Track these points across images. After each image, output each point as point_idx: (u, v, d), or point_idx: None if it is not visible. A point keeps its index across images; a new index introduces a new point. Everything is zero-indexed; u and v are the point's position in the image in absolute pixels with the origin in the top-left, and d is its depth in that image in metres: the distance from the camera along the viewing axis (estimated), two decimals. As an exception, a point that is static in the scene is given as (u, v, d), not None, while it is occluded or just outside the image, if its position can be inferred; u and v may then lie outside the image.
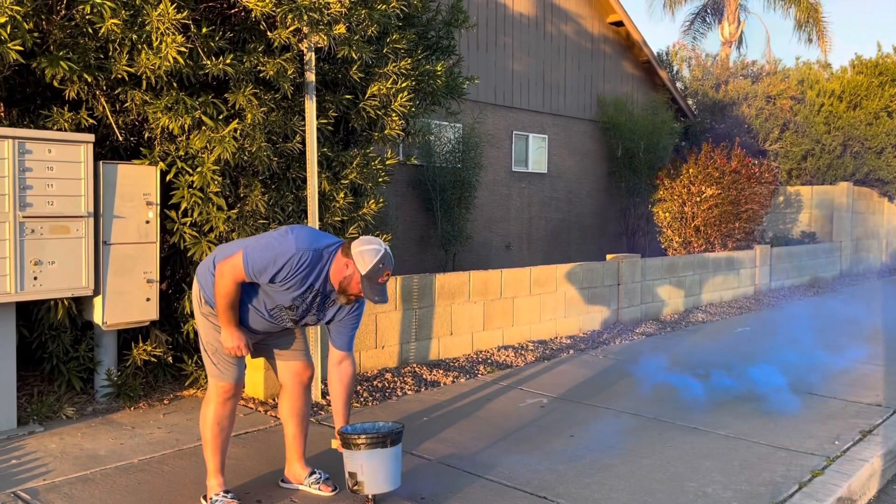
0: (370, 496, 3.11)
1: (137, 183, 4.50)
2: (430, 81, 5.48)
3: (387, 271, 2.96)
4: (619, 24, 13.40)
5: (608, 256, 8.33)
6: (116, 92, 4.43)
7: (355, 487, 3.07)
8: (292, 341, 3.31)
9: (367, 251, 2.93)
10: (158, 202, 4.59)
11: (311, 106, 4.64)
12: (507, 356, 6.35)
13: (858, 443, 4.19)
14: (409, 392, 5.14)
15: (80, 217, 4.25)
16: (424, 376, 5.56)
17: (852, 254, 15.32)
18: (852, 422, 4.60)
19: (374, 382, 5.29)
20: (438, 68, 5.45)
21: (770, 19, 69.71)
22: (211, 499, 3.11)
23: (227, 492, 3.15)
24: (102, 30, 3.86)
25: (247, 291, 3.02)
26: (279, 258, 2.87)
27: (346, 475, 3.11)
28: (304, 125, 4.83)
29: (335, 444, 3.19)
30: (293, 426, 3.34)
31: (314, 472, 3.36)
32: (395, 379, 5.41)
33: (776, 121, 16.23)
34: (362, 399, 4.88)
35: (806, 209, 15.42)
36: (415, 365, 5.88)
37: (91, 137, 4.28)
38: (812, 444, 4.16)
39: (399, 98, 5.10)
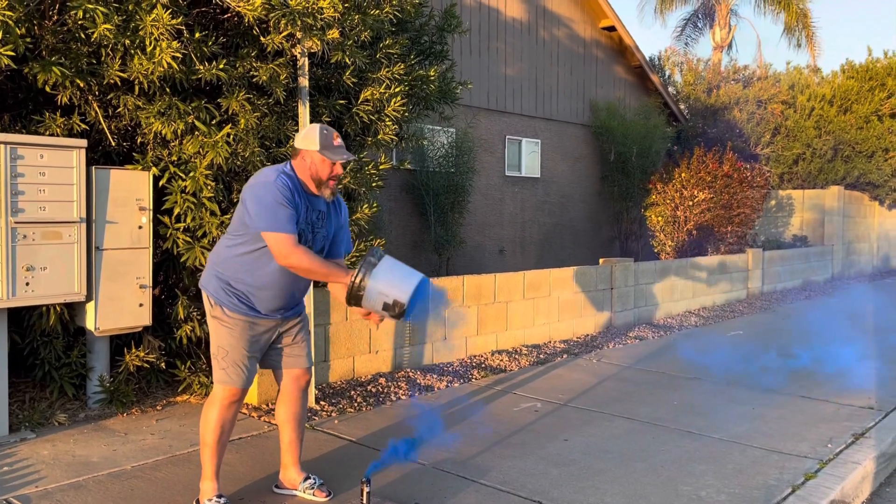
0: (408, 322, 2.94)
1: (130, 188, 4.49)
2: (423, 86, 5.49)
3: (335, 133, 3.07)
4: (612, 28, 13.46)
5: (601, 260, 8.35)
6: (109, 97, 4.42)
7: (399, 312, 2.91)
8: (298, 347, 3.30)
9: (306, 133, 3.07)
10: (151, 207, 4.58)
11: (304, 111, 4.64)
12: (501, 360, 6.35)
13: (851, 445, 4.20)
14: (404, 397, 5.13)
15: (73, 222, 4.24)
16: (418, 381, 5.55)
17: (844, 257, 15.41)
18: (845, 424, 4.62)
19: (369, 388, 5.29)
20: (432, 73, 5.46)
21: (760, 24, 70.16)
22: (208, 501, 3.11)
23: (220, 496, 3.13)
24: (95, 35, 3.85)
25: (259, 260, 3.03)
26: (276, 196, 2.92)
27: (384, 314, 2.94)
28: (297, 130, 4.83)
29: (359, 311, 3.04)
30: (290, 430, 3.33)
31: (309, 478, 3.35)
32: (389, 384, 5.41)
33: (767, 125, 16.32)
34: (356, 404, 4.87)
35: (798, 213, 15.50)
36: (409, 370, 5.87)
37: (83, 143, 4.26)
38: (805, 446, 4.17)
39: (392, 103, 5.11)
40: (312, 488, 3.30)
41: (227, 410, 3.12)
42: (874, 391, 5.49)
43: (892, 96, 15.38)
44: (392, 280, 2.91)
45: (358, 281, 2.89)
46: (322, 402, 4.87)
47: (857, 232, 16.21)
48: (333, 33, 4.18)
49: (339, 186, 3.87)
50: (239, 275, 3.06)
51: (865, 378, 5.93)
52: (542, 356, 6.59)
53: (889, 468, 4.22)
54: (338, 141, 3.07)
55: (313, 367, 4.80)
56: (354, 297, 2.93)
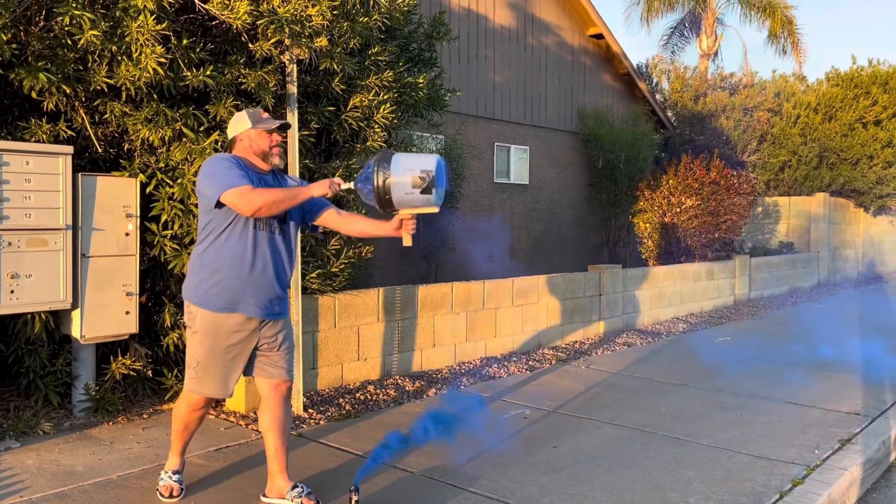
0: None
1: (117, 195, 4.46)
2: (412, 93, 5.50)
3: (260, 110, 3.25)
4: (599, 36, 13.53)
5: (590, 267, 8.37)
6: (96, 103, 4.40)
7: (430, 182, 2.90)
8: (279, 356, 3.27)
9: (235, 120, 3.22)
10: (138, 214, 4.55)
11: (292, 118, 4.63)
12: (490, 367, 6.35)
13: (838, 451, 4.23)
14: (392, 405, 5.11)
15: (58, 230, 4.20)
16: (407, 388, 5.54)
17: (830, 263, 15.53)
18: (831, 430, 4.65)
19: (357, 395, 5.26)
20: (420, 80, 5.47)
21: (746, 33, 70.79)
22: (165, 472, 3.40)
23: (175, 472, 3.38)
24: (82, 41, 3.83)
25: (228, 240, 3.08)
26: (222, 163, 3.03)
27: (416, 196, 2.93)
28: (285, 136, 4.81)
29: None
30: (274, 438, 3.31)
31: (297, 486, 3.32)
32: (378, 391, 5.39)
33: (754, 132, 16.46)
34: (345, 412, 4.85)
35: (784, 220, 15.62)
36: (397, 377, 5.86)
37: (70, 149, 4.24)
38: (792, 452, 4.19)
39: (381, 110, 5.11)
40: (300, 497, 3.28)
41: (192, 413, 3.30)
42: (860, 397, 5.53)
43: (877, 104, 15.56)
44: (412, 160, 2.95)
45: (381, 178, 2.91)
46: (310, 410, 4.84)
47: (842, 238, 16.35)
48: (322, 41, 4.18)
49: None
50: (212, 265, 3.09)
51: (851, 383, 5.97)
52: (531, 363, 6.59)
53: (875, 474, 4.24)
54: (265, 114, 3.21)
55: (301, 375, 4.80)
56: (383, 198, 2.94)
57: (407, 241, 3.12)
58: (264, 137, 3.17)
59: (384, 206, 2.98)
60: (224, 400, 4.89)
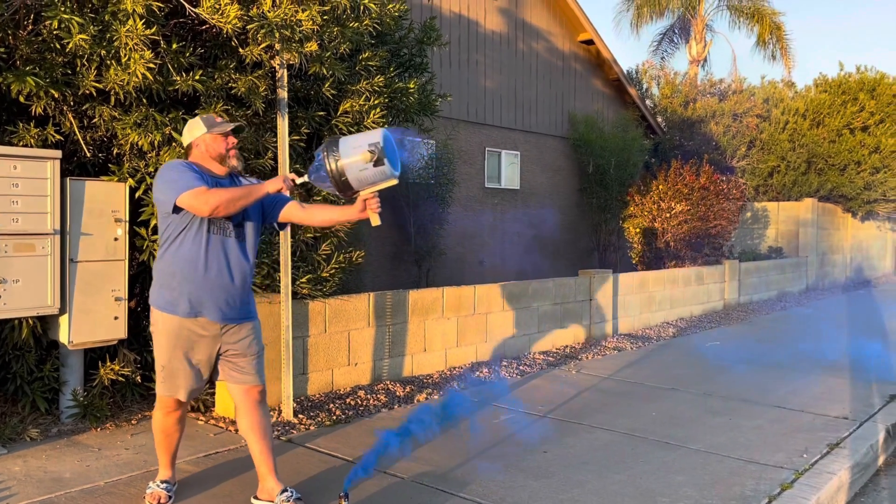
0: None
1: (106, 199, 4.44)
2: (402, 98, 5.50)
3: (214, 115, 3.30)
4: (590, 42, 13.59)
5: (580, 272, 8.39)
6: (84, 108, 4.38)
7: (380, 153, 2.93)
8: (247, 361, 3.29)
9: (189, 126, 3.27)
10: (127, 219, 4.53)
11: (283, 123, 4.62)
12: (481, 372, 6.34)
13: (826, 456, 4.25)
14: (383, 410, 5.10)
15: (46, 234, 4.18)
16: (398, 393, 5.53)
17: (818, 268, 15.63)
18: (820, 435, 4.67)
19: (348, 400, 5.25)
20: (411, 86, 5.48)
21: (735, 39, 71.28)
22: (153, 482, 3.40)
23: (164, 482, 3.37)
24: (70, 45, 3.81)
25: (183, 245, 3.12)
26: (177, 168, 3.08)
27: (370, 170, 2.95)
28: (275, 142, 4.81)
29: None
30: (256, 440, 3.31)
31: (286, 490, 3.30)
32: (369, 396, 5.37)
33: (743, 138, 16.56)
34: (335, 417, 4.83)
35: (773, 225, 15.71)
36: (388, 382, 5.84)
37: (58, 153, 4.21)
38: (781, 457, 4.21)
39: (372, 115, 5.11)
40: (289, 501, 3.27)
41: (166, 417, 3.30)
42: (849, 401, 5.56)
43: (864, 110, 15.69)
44: (359, 137, 2.99)
45: (335, 165, 2.94)
46: (300, 416, 4.83)
47: (830, 243, 16.47)
48: (312, 46, 4.18)
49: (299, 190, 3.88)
50: (170, 270, 3.13)
51: (840, 388, 6.01)
52: (521, 367, 6.60)
53: (863, 478, 4.27)
54: (219, 118, 3.27)
55: (291, 381, 4.78)
56: (341, 183, 2.96)
57: (375, 221, 3.13)
58: (220, 141, 3.22)
59: (343, 190, 3.01)
60: (213, 406, 4.87)
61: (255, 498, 3.37)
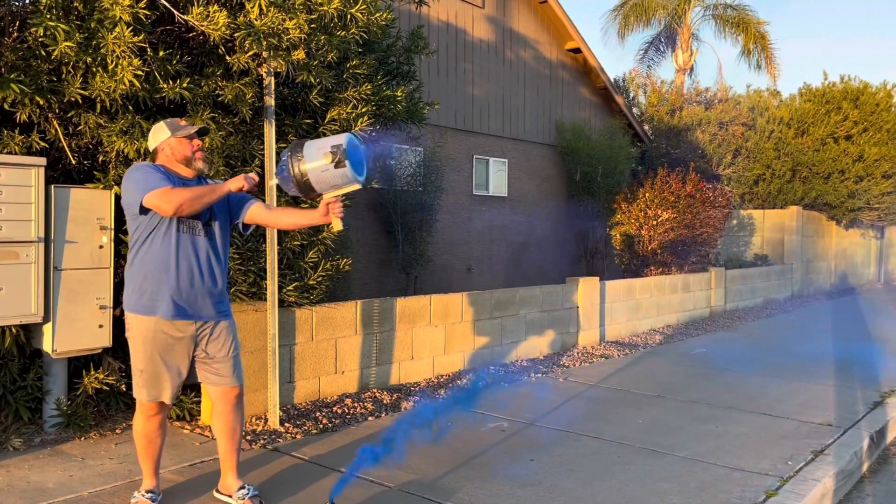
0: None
1: (91, 207, 4.41)
2: (390, 106, 5.51)
3: (178, 119, 3.35)
4: (577, 50, 13.67)
5: (567, 279, 8.41)
6: (70, 115, 4.35)
7: (342, 155, 2.94)
8: (223, 364, 3.32)
9: (154, 131, 3.28)
10: (113, 227, 4.50)
11: (270, 130, 4.62)
12: (468, 380, 6.34)
13: (811, 463, 4.28)
14: (370, 418, 5.09)
15: (31, 242, 4.14)
16: (385, 401, 5.52)
17: (803, 276, 15.75)
18: (804, 442, 4.70)
19: (334, 409, 5.23)
20: (399, 94, 5.49)
21: (721, 48, 71.90)
22: (138, 491, 3.40)
23: (149, 492, 3.36)
24: (56, 52, 3.80)
25: (152, 246, 3.14)
26: (142, 169, 3.12)
27: (331, 171, 2.97)
28: (263, 149, 4.80)
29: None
30: (224, 442, 3.43)
31: (244, 487, 3.44)
32: (356, 404, 5.36)
33: (729, 146, 16.68)
34: (322, 425, 4.81)
35: (758, 232, 15.83)
36: (375, 390, 5.83)
37: (43, 161, 4.19)
38: (766, 464, 4.23)
39: (359, 123, 5.11)
40: (244, 497, 3.40)
41: (148, 423, 3.30)
42: (833, 408, 5.61)
43: (847, 119, 15.86)
44: (323, 140, 3.01)
45: (297, 166, 2.97)
46: (287, 424, 4.80)
47: (815, 251, 16.61)
48: (299, 54, 4.18)
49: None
50: (141, 272, 3.15)
51: (825, 395, 6.05)
52: (509, 375, 6.60)
53: (848, 485, 4.30)
54: (183, 122, 3.31)
55: (278, 389, 4.76)
56: (303, 184, 2.99)
57: (337, 226, 3.16)
58: (185, 144, 3.25)
59: (306, 192, 3.03)
60: (198, 415, 4.84)
61: (217, 491, 3.51)
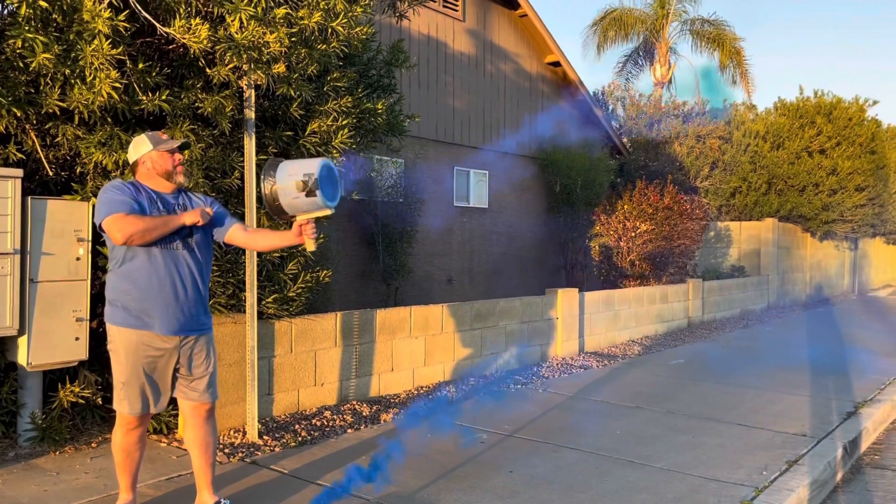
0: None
1: (68, 219, 4.38)
2: (371, 119, 5.54)
3: (159, 132, 3.34)
4: (556, 64, 13.81)
5: (547, 291, 8.46)
6: (47, 126, 4.33)
7: (314, 184, 2.98)
8: (199, 381, 3.33)
9: (135, 144, 3.28)
10: (90, 238, 4.47)
11: (250, 142, 4.62)
12: (449, 391, 6.35)
13: (785, 472, 4.34)
14: (350, 430, 5.08)
15: (6, 254, 4.11)
16: (364, 413, 5.51)
17: (779, 287, 15.96)
18: (779, 452, 4.77)
19: (314, 421, 5.22)
20: (379, 106, 5.52)
21: (698, 62, 72.98)
22: None
23: None
24: (34, 64, 3.78)
25: (134, 261, 3.15)
26: (109, 191, 3.12)
27: (303, 200, 3.01)
28: (243, 161, 4.80)
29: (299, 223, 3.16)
30: (197, 455, 3.41)
31: (219, 502, 3.43)
32: (335, 416, 5.35)
33: (706, 159, 16.91)
34: (301, 438, 4.80)
35: (735, 244, 16.03)
36: (355, 402, 5.82)
37: (19, 172, 4.16)
38: (742, 474, 4.29)
39: (340, 135, 5.13)
40: None
41: (127, 436, 3.27)
42: (808, 418, 5.69)
43: (821, 134, 16.14)
44: (297, 164, 3.04)
45: (269, 186, 3.01)
46: (265, 437, 4.78)
47: (791, 262, 16.84)
48: (280, 67, 4.20)
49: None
50: (123, 286, 3.16)
51: (799, 405, 6.14)
52: (489, 386, 6.62)
53: (821, 495, 4.36)
54: (164, 135, 3.33)
55: (256, 402, 4.74)
56: (273, 204, 3.03)
57: (310, 247, 3.20)
58: (167, 158, 3.27)
59: (277, 214, 3.08)
60: (176, 428, 4.80)
61: None
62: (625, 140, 17.18)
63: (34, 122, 4.32)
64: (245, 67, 4.17)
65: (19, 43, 3.72)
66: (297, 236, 3.19)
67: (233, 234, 3.40)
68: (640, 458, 4.57)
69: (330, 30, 4.43)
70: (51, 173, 4.52)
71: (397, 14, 6.19)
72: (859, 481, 4.70)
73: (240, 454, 4.43)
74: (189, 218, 3.14)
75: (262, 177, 3.03)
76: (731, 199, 16.74)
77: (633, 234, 11.46)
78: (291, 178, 2.98)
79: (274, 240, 3.42)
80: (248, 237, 3.44)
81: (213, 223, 3.39)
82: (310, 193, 2.97)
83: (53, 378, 4.70)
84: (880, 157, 16.80)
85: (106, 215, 3.05)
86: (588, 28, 22.53)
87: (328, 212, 3.08)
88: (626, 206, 11.54)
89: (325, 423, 5.20)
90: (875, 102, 16.94)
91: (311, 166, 3.00)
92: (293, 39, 4.19)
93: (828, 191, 15.99)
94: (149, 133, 3.31)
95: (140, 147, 3.27)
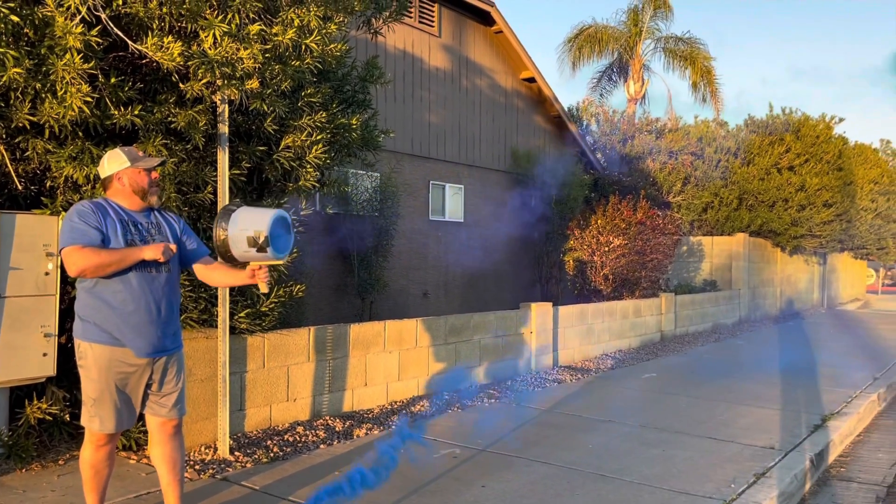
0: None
1: (37, 233, 4.34)
2: (345, 134, 5.56)
3: (135, 148, 3.32)
4: (532, 80, 13.96)
5: (521, 305, 8.51)
6: (17, 140, 4.29)
7: (264, 242, 2.99)
8: (167, 397, 3.31)
9: (109, 158, 3.22)
10: (59, 253, 4.42)
11: (223, 157, 4.62)
12: (422, 406, 6.35)
13: (753, 486, 4.40)
14: (322, 446, 5.06)
15: (-27, 269, 4.05)
16: (337, 428, 5.49)
17: (750, 301, 16.19)
18: (747, 465, 4.84)
19: (286, 437, 5.19)
20: (354, 122, 5.54)
21: (670, 80, 74.08)
22: None
23: None
24: (4, 78, 3.75)
25: (108, 278, 3.10)
26: (71, 219, 3.06)
27: (252, 253, 3.03)
28: (216, 176, 4.80)
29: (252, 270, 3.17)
30: (165, 471, 3.37)
31: None
32: (308, 432, 5.32)
33: (678, 175, 17.15)
34: (272, 454, 4.77)
35: (707, 258, 16.25)
36: (328, 417, 5.80)
37: (-12, 186, 4.11)
38: (710, 487, 4.34)
39: (314, 150, 5.15)
40: None
41: (96, 452, 3.23)
42: (776, 431, 5.78)
43: (790, 151, 16.47)
44: (250, 217, 3.05)
45: (221, 234, 3.02)
46: (237, 453, 4.75)
47: (762, 277, 17.10)
48: (253, 83, 4.21)
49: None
50: (95, 304, 3.12)
51: (768, 418, 6.23)
52: (463, 401, 6.63)
53: (788, 506, 4.43)
54: (141, 153, 3.28)
55: (228, 417, 4.70)
56: (225, 255, 3.05)
57: (263, 289, 3.23)
58: (143, 175, 3.23)
59: (229, 262, 3.12)
60: (145, 445, 4.75)
61: None
62: (599, 155, 17.38)
63: (3, 136, 4.28)
64: (218, 83, 4.17)
65: (-11, 57, 3.69)
66: (251, 278, 3.21)
67: (196, 267, 3.41)
68: (612, 471, 4.61)
69: (304, 46, 4.45)
70: (20, 187, 4.48)
71: (372, 31, 6.24)
72: (826, 493, 4.78)
73: (210, 470, 4.40)
74: (149, 253, 3.06)
75: (215, 224, 3.05)
76: (703, 214, 16.99)
77: (606, 249, 11.58)
78: (243, 233, 3.01)
79: (227, 278, 3.39)
80: (206, 272, 3.42)
81: (184, 253, 3.36)
82: (260, 249, 3.01)
83: (20, 394, 4.63)
84: (847, 174, 17.18)
85: (64, 245, 3.02)
86: (563, 45, 22.79)
87: (280, 262, 3.14)
88: (599, 221, 11.67)
89: (298, 438, 5.18)
90: (841, 120, 17.34)
91: (261, 222, 3.01)
92: (267, 56, 4.21)
93: (797, 206, 16.30)
94: (124, 148, 3.27)
95: (115, 162, 3.22)
